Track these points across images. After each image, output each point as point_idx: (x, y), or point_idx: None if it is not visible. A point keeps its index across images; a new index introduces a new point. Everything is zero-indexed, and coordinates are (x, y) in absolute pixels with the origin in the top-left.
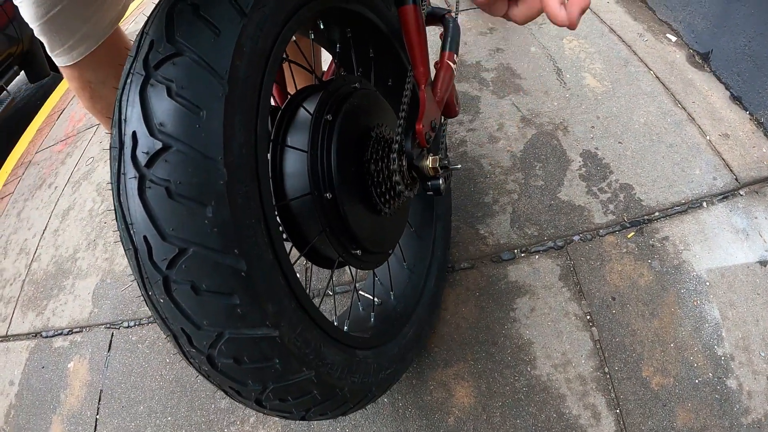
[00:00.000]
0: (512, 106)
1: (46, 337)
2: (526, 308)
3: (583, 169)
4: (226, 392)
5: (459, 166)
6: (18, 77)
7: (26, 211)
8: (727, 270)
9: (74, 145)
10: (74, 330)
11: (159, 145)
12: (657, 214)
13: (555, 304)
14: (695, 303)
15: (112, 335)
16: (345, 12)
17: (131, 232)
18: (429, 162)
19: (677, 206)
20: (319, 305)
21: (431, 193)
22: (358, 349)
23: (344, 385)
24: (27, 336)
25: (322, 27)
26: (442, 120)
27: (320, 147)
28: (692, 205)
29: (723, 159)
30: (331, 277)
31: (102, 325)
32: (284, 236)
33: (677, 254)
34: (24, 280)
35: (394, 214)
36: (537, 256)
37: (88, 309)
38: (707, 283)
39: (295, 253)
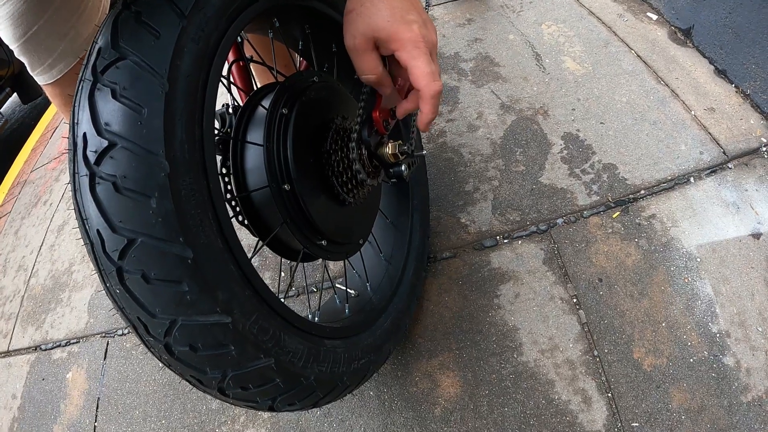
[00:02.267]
0: (491, 94)
1: (45, 349)
2: (511, 294)
3: (565, 151)
4: (189, 381)
5: (425, 151)
6: (11, 99)
7: (23, 228)
8: (718, 245)
9: (67, 161)
10: (71, 341)
11: (105, 143)
12: (642, 192)
13: (540, 288)
14: (686, 280)
15: (108, 344)
16: (299, 9)
17: (86, 226)
18: (389, 149)
19: (663, 183)
20: (284, 297)
21: (395, 180)
22: (326, 339)
23: (310, 374)
24: (27, 350)
25: (278, 25)
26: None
27: (275, 140)
28: (679, 182)
29: (709, 133)
30: (296, 267)
31: (98, 334)
32: (249, 228)
33: (665, 232)
34: (23, 296)
35: (360, 204)
36: (520, 242)
37: (84, 320)
38: (698, 260)
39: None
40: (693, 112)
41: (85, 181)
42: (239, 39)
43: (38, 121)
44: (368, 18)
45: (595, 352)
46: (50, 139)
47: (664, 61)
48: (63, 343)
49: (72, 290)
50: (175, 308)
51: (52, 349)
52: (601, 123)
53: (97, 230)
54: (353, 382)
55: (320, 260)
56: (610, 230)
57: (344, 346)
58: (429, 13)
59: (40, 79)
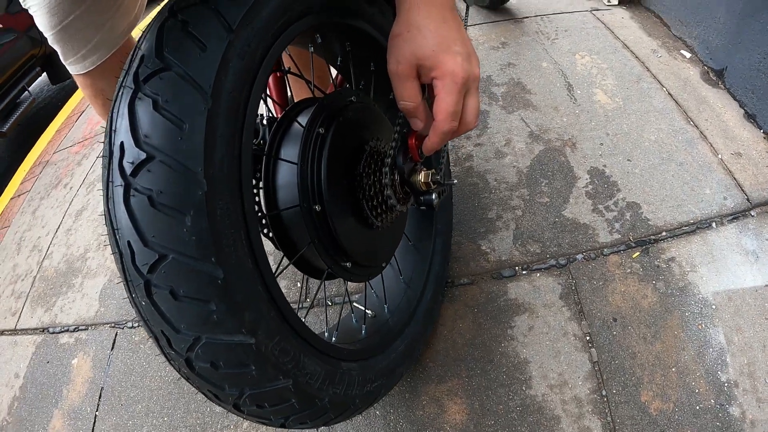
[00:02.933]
0: (521, 122)
1: (53, 333)
2: (525, 326)
3: (590, 186)
4: (205, 395)
5: (455, 181)
6: (40, 78)
7: (41, 209)
8: (734, 293)
9: (91, 147)
10: (80, 327)
11: (143, 155)
12: (664, 234)
13: (554, 323)
14: (700, 326)
15: (116, 335)
16: (342, 27)
17: (117, 236)
18: (421, 177)
19: (685, 226)
20: (305, 316)
21: (424, 207)
22: (343, 361)
23: (324, 396)
24: (34, 331)
25: (320, 41)
26: None
27: (310, 160)
28: (701, 226)
29: (734, 178)
30: (320, 287)
31: (107, 324)
32: (275, 244)
33: (683, 276)
34: (35, 277)
35: (387, 228)
36: (538, 274)
37: (94, 308)
38: (713, 307)
39: (286, 261)
40: (720, 156)
41: (119, 191)
42: None
43: (65, 102)
44: (414, 44)
45: (604, 392)
46: (76, 122)
47: (695, 101)
48: (71, 328)
49: (85, 277)
50: (200, 326)
51: (59, 333)
52: (628, 160)
53: (128, 242)
54: (364, 404)
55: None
56: (629, 270)
57: (359, 368)
58: None
59: (72, 68)
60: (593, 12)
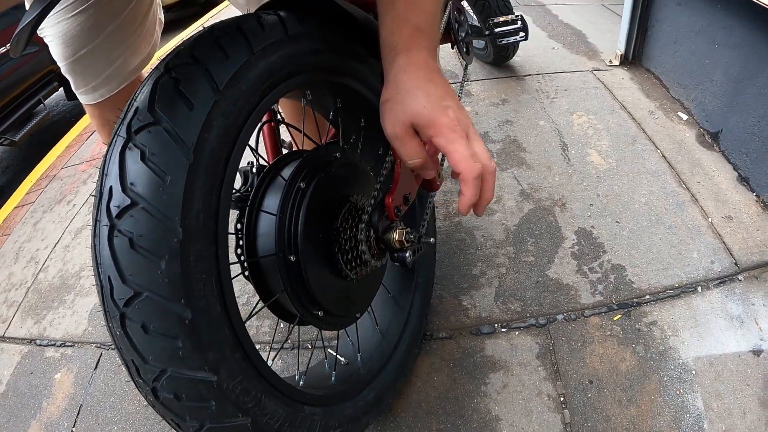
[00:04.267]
0: (513, 179)
1: (40, 345)
2: (499, 384)
3: (576, 247)
4: (169, 423)
5: (432, 240)
6: (56, 93)
7: (42, 222)
8: (716, 359)
9: (98, 167)
10: (67, 343)
11: (128, 201)
12: (647, 297)
13: (529, 382)
14: (677, 392)
15: (101, 355)
16: (331, 84)
17: (99, 270)
18: (396, 235)
19: (670, 290)
20: (275, 357)
21: (398, 264)
22: (306, 405)
23: None
24: (22, 341)
25: (310, 97)
26: (431, 194)
27: (289, 212)
28: (686, 290)
29: (723, 242)
30: (290, 331)
31: (93, 343)
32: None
33: (664, 340)
34: (29, 288)
35: (362, 280)
36: (517, 333)
37: (83, 326)
38: (693, 372)
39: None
40: (710, 219)
41: (105, 231)
42: None
43: (78, 119)
44: (405, 105)
45: None
46: (86, 140)
47: (689, 163)
48: (58, 343)
49: (77, 294)
50: (166, 360)
51: (46, 346)
52: (617, 222)
53: (108, 276)
54: None
55: None
56: (609, 332)
57: (322, 414)
58: (466, 88)
59: (83, 98)
60: (594, 72)
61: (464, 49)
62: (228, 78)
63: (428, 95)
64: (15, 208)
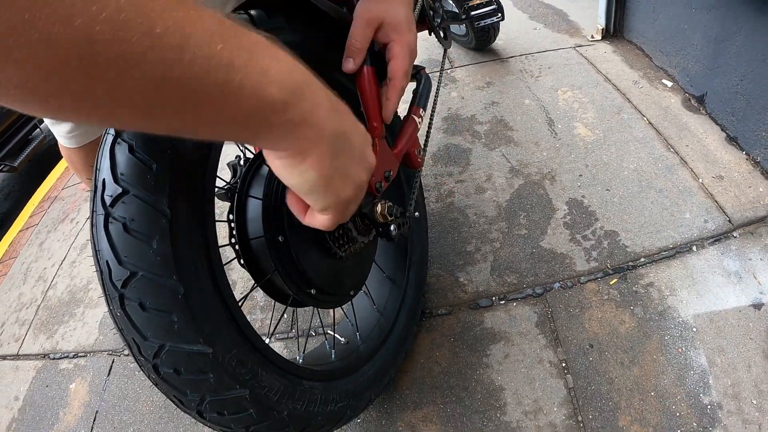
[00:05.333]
0: (502, 158)
1: (53, 358)
2: (500, 354)
3: (568, 217)
4: (172, 401)
5: (416, 214)
6: None
7: (48, 242)
8: (716, 315)
9: None
10: (79, 354)
11: (119, 190)
12: (642, 260)
13: (530, 350)
14: (679, 350)
15: (113, 361)
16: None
17: (98, 257)
18: (378, 209)
19: (664, 251)
20: (270, 337)
21: (384, 238)
22: (305, 380)
23: (283, 410)
24: (36, 356)
25: None
26: (418, 172)
27: (273, 196)
28: (681, 250)
29: (716, 201)
30: (284, 311)
31: (105, 351)
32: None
33: (662, 300)
34: (39, 306)
35: (353, 258)
36: (514, 304)
37: (94, 336)
38: (694, 329)
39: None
40: (701, 180)
41: (101, 219)
42: None
43: None
44: (388, 6)
45: (580, 417)
46: None
47: (676, 128)
48: (71, 354)
49: (86, 306)
50: (164, 335)
51: (59, 359)
52: (607, 190)
53: (107, 261)
54: (328, 423)
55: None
56: (606, 297)
57: (322, 388)
58: (451, 74)
59: (65, 142)
60: (577, 48)
61: (441, 35)
62: None
63: (408, 16)
64: (20, 231)
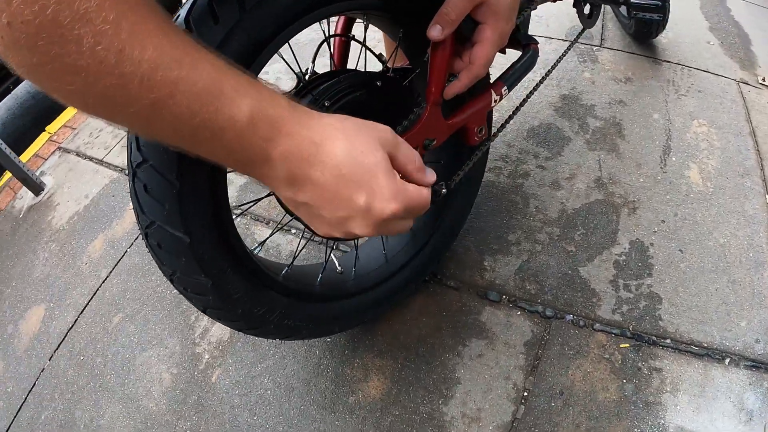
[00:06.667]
0: (596, 163)
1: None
2: (476, 351)
3: (623, 257)
4: (156, 264)
5: (444, 190)
6: None
7: None
8: None
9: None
10: None
11: (140, 158)
12: (668, 341)
13: (504, 363)
14: None
15: None
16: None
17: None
18: None
19: (695, 346)
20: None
21: None
22: (275, 291)
23: (239, 308)
24: (115, 168)
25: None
26: (476, 150)
27: None
28: (712, 354)
29: None
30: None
31: None
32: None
33: (658, 392)
34: None
35: None
36: (519, 313)
37: None
38: None
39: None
40: None
41: (131, 175)
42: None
43: None
44: None
45: None
46: None
47: None
48: None
49: None
50: (156, 215)
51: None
52: (680, 251)
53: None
54: (279, 333)
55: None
56: (607, 356)
57: (287, 304)
58: (596, 52)
59: None
60: (740, 83)
61: (585, 12)
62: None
63: (513, 3)
64: None
